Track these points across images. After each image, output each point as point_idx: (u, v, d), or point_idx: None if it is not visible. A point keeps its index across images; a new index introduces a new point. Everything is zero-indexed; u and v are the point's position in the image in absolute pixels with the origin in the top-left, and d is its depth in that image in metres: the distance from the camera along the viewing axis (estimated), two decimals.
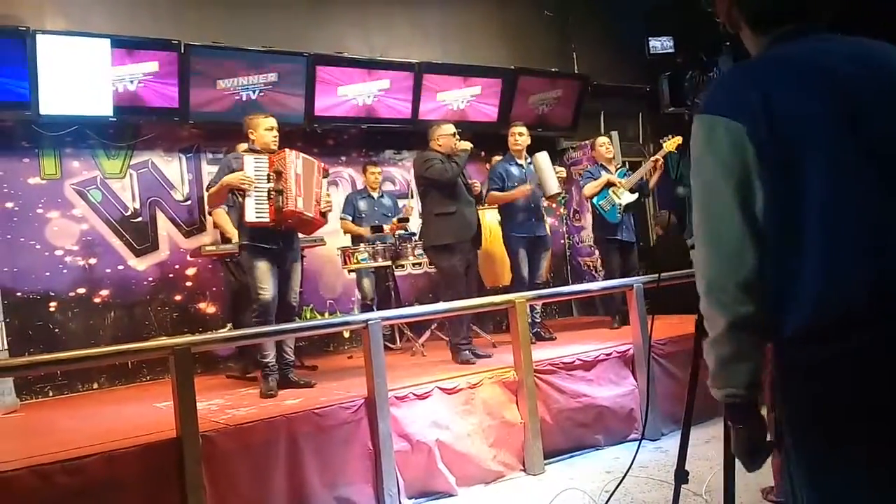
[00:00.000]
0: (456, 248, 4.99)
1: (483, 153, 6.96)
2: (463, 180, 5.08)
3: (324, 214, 4.58)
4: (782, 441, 1.40)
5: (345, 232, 6.22)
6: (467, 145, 5.04)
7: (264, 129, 4.50)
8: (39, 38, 5.21)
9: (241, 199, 4.35)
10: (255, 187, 4.28)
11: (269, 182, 4.31)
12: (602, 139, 6.37)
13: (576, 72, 8.10)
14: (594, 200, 6.12)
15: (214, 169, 4.86)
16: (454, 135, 5.08)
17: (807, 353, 1.30)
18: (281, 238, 4.42)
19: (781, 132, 1.29)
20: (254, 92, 6.12)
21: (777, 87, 1.32)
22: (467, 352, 4.86)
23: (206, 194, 4.64)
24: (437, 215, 5.04)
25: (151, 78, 5.70)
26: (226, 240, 5.46)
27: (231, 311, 5.73)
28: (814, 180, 1.28)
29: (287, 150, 4.45)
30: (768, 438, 1.46)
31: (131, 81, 5.63)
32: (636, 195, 6.14)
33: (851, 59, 1.36)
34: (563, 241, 8.37)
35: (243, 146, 4.64)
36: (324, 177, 4.61)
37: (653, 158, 6.05)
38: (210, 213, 5.78)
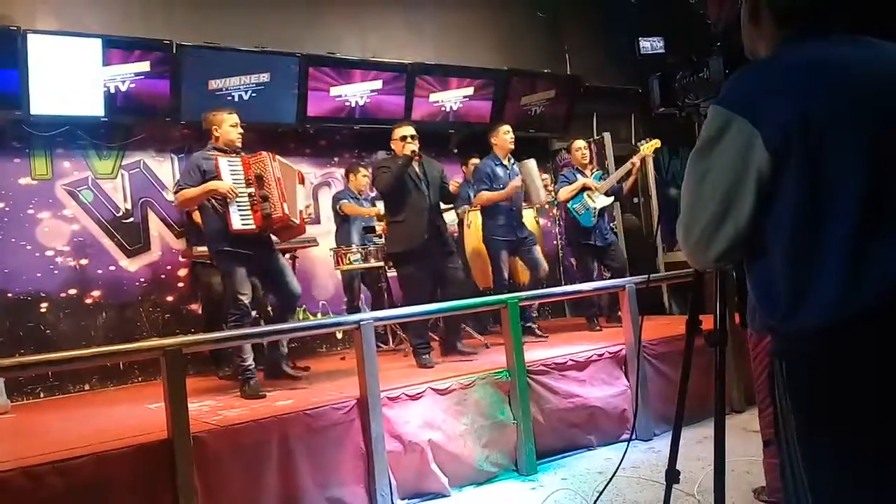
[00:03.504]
0: (408, 255, 4.94)
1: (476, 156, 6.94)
2: (416, 185, 4.96)
3: (304, 222, 4.59)
4: (780, 437, 1.41)
5: (347, 213, 6.16)
6: (408, 150, 4.92)
7: (229, 125, 4.43)
8: (31, 37, 5.18)
9: (216, 204, 4.29)
10: (237, 194, 4.25)
11: (247, 187, 4.26)
12: (579, 143, 6.41)
13: (568, 73, 8.11)
14: (569, 204, 6.15)
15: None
16: (403, 138, 5.01)
17: (820, 350, 1.31)
18: (255, 244, 4.38)
19: (817, 145, 1.31)
20: (246, 92, 6.11)
21: (814, 98, 1.33)
22: (426, 356, 4.85)
23: (175, 196, 4.45)
24: (390, 223, 5.10)
25: (143, 78, 5.67)
26: (198, 241, 5.30)
27: (207, 316, 5.66)
28: (845, 193, 1.30)
29: (263, 153, 4.40)
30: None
31: (123, 81, 5.61)
32: (612, 198, 6.20)
33: (888, 69, 1.38)
34: (555, 242, 8.38)
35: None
36: (300, 183, 4.60)
37: (630, 161, 6.09)
38: (190, 213, 5.65)
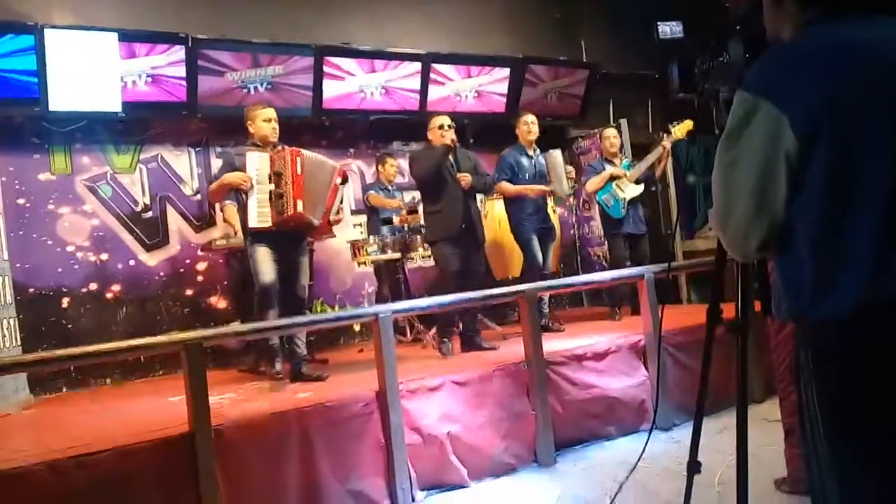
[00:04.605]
0: (446, 242, 4.98)
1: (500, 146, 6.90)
2: (452, 174, 5.02)
3: (333, 224, 4.58)
4: (804, 425, 1.39)
5: (374, 204, 6.18)
6: (447, 139, 4.98)
7: (262, 120, 4.48)
8: (48, 32, 5.21)
9: (244, 198, 4.34)
10: (258, 189, 4.28)
11: (270, 183, 4.29)
12: (609, 131, 6.33)
13: (584, 60, 8.05)
14: (597, 196, 6.09)
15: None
16: (441, 127, 5.06)
17: (848, 337, 1.30)
18: (285, 236, 4.42)
19: (844, 128, 1.29)
20: (261, 84, 6.11)
21: (841, 81, 1.31)
22: (445, 345, 4.93)
23: (208, 189, 4.63)
24: (428, 213, 5.14)
25: (159, 72, 5.70)
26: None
27: (241, 307, 5.75)
28: (873, 176, 1.28)
29: (289, 148, 4.42)
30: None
31: (139, 76, 5.64)
32: (642, 186, 6.09)
33: None
34: (572, 232, 8.34)
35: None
36: (342, 183, 4.60)
37: (661, 145, 5.96)
38: (221, 209, 5.78)
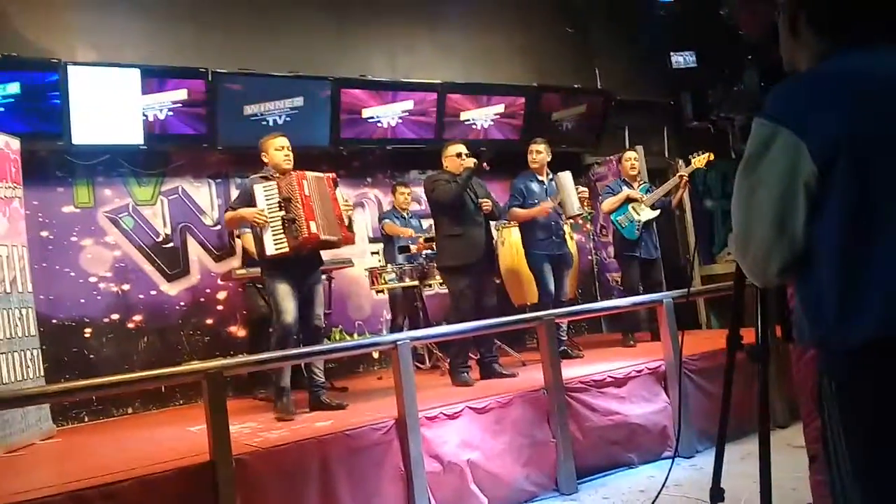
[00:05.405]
0: (464, 269, 4.97)
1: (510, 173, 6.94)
2: (473, 200, 5.06)
3: (350, 227, 4.61)
4: (829, 451, 1.39)
5: (388, 233, 6.25)
6: (470, 162, 4.98)
7: (274, 149, 4.54)
8: (71, 69, 5.33)
9: (259, 231, 4.39)
10: (270, 218, 4.32)
11: (280, 210, 4.34)
12: (629, 154, 6.37)
13: (598, 88, 8.10)
14: (612, 217, 6.10)
15: None
16: (459, 155, 5.07)
17: (871, 366, 1.29)
18: (301, 263, 4.45)
19: (863, 162, 1.30)
20: (280, 117, 6.20)
21: (861, 111, 1.32)
22: (465, 374, 4.87)
23: (224, 215, 4.73)
24: (445, 237, 5.10)
25: (180, 106, 5.80)
26: (252, 262, 5.49)
27: (252, 336, 5.79)
28: (893, 201, 1.29)
29: (293, 172, 4.45)
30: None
31: (161, 110, 5.74)
32: (657, 212, 6.10)
33: None
34: (590, 258, 8.33)
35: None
36: (335, 186, 4.63)
37: (679, 174, 5.99)
38: (238, 237, 5.88)
